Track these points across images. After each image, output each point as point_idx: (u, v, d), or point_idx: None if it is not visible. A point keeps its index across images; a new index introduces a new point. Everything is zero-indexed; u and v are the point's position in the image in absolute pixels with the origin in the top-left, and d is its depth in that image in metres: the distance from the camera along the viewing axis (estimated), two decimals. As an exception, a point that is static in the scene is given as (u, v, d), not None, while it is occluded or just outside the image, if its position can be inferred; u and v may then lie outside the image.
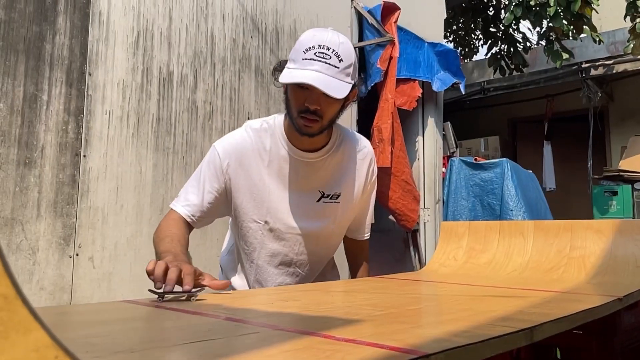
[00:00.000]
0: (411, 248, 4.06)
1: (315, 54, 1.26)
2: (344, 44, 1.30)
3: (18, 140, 1.82)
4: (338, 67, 1.27)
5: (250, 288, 1.47)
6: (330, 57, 1.27)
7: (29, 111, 1.85)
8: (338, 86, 1.26)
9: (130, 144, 2.14)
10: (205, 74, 2.46)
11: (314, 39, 1.28)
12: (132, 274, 2.09)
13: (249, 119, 2.64)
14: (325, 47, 1.27)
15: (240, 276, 1.52)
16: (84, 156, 1.99)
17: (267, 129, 1.43)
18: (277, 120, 1.45)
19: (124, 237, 2.08)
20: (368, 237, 1.65)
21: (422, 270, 1.91)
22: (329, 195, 1.45)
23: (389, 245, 4.16)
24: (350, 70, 1.31)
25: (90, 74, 2.04)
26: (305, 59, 1.26)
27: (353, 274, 1.68)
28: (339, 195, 1.47)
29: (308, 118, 1.30)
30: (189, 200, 1.37)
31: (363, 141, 1.55)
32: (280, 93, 2.85)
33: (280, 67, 1.39)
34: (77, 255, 1.94)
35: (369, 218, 1.63)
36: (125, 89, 2.15)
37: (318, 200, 1.44)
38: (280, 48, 2.87)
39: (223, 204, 1.41)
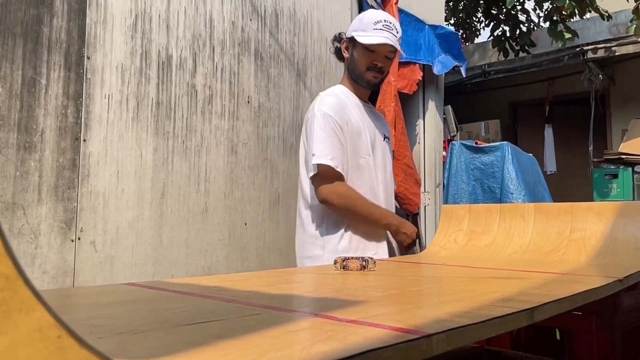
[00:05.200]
0: (411, 231, 4.06)
1: (383, 25, 1.70)
2: (396, 22, 1.78)
3: (17, 125, 1.81)
4: (397, 37, 1.75)
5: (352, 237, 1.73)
6: (392, 29, 1.72)
7: (28, 95, 1.84)
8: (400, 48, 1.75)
9: (130, 128, 2.13)
10: (204, 58, 2.44)
11: (379, 15, 1.74)
12: (134, 257, 2.10)
13: (248, 102, 2.62)
14: (389, 22, 1.72)
15: (340, 235, 1.72)
16: (84, 140, 1.98)
17: (339, 91, 1.80)
18: (339, 86, 1.84)
19: (125, 221, 2.08)
20: None
21: (423, 253, 1.91)
22: (386, 137, 1.89)
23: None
24: (400, 41, 1.78)
25: (88, 58, 2.02)
26: (376, 29, 1.69)
27: None
28: (389, 138, 1.92)
29: (374, 73, 1.75)
30: (336, 158, 1.64)
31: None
32: (280, 78, 2.83)
33: (338, 38, 1.85)
34: (79, 239, 1.94)
35: None
36: (124, 73, 2.13)
37: (384, 140, 1.87)
38: (280, 31, 2.84)
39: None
